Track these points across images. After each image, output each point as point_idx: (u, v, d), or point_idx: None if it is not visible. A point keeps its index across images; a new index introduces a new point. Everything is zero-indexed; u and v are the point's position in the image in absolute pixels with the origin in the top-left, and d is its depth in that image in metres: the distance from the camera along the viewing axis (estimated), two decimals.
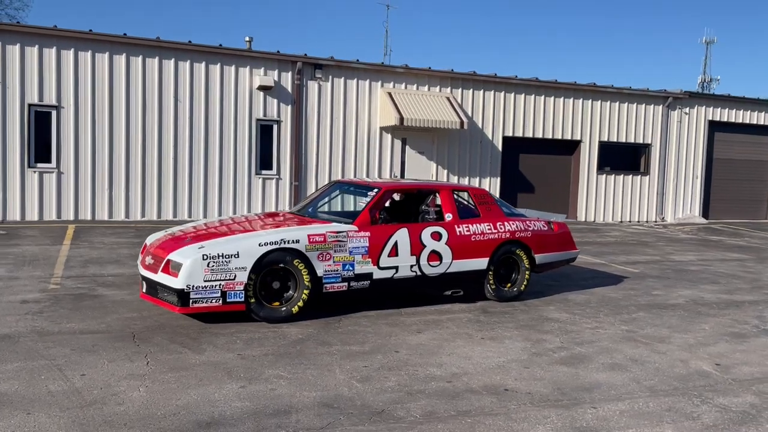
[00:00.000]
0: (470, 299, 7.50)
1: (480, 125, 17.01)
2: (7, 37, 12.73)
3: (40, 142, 13.14)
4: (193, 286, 5.75)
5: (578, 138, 18.35)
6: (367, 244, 6.62)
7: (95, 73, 13.35)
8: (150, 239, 6.82)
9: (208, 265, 5.81)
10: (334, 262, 6.43)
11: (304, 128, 15.09)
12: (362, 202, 7.13)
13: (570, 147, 18.48)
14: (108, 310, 6.31)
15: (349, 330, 6.01)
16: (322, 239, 6.38)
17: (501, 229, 7.50)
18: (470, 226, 7.32)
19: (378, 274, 6.68)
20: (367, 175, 15.72)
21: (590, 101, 18.38)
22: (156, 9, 48.60)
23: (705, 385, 4.90)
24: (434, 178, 16.51)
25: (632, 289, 8.73)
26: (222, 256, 5.88)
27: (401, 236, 6.83)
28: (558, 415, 4.13)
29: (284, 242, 6.16)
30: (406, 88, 16.07)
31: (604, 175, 18.84)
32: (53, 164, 13.19)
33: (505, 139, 17.44)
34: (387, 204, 8.21)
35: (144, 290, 6.23)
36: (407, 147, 16.25)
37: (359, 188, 7.60)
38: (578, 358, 5.47)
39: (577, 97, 18.19)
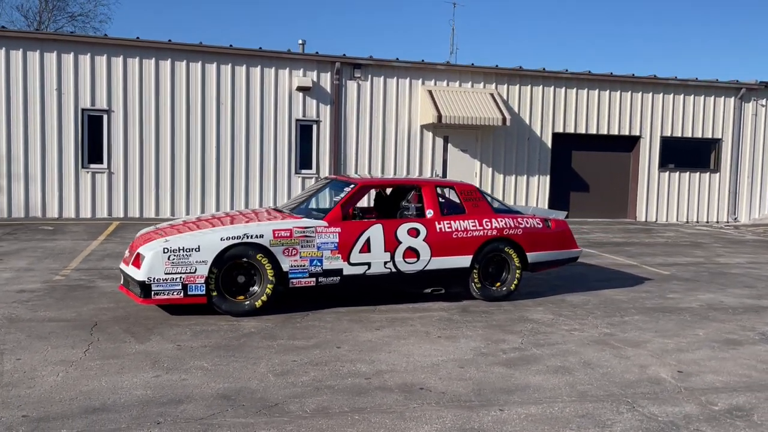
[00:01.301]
0: (456, 298, 7.30)
1: (527, 122, 16.51)
2: (62, 47, 13.66)
3: (93, 144, 14.00)
4: (154, 278, 5.95)
5: (637, 133, 17.42)
6: (337, 240, 6.59)
7: (142, 78, 14.07)
8: (139, 233, 7.11)
9: (168, 258, 5.98)
10: (300, 257, 6.45)
11: (343, 127, 15.22)
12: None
13: (628, 143, 17.58)
14: (90, 301, 6.63)
15: (308, 325, 6.01)
16: (288, 234, 6.41)
17: (487, 226, 7.25)
18: (452, 222, 7.12)
19: (349, 270, 6.63)
20: (407, 174, 15.64)
21: (650, 94, 17.40)
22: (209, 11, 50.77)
23: (648, 392, 4.52)
24: (477, 177, 16.20)
25: (647, 291, 8.20)
26: (183, 249, 6.03)
27: (375, 232, 6.75)
28: (455, 416, 3.94)
29: (247, 237, 6.24)
30: (448, 85, 15.86)
31: (668, 173, 17.79)
32: (104, 165, 14.02)
33: (556, 135, 16.84)
34: (377, 200, 8.19)
35: (121, 282, 6.51)
36: (449, 145, 16.03)
37: (343, 184, 7.58)
38: (526, 359, 5.19)
39: (635, 91, 17.28)
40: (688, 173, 17.98)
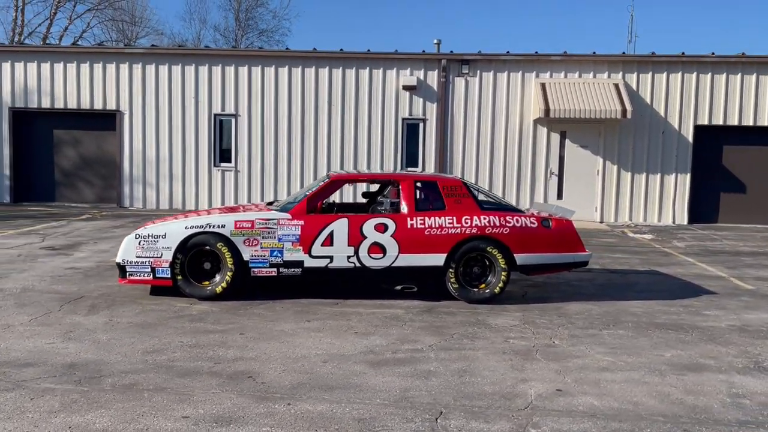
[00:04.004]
0: (435, 297, 7.01)
1: (662, 113, 14.78)
2: (199, 60, 15.49)
3: (222, 145, 15.67)
4: (127, 261, 6.69)
5: None
6: (299, 233, 6.75)
7: (264, 84, 15.38)
8: None
9: (139, 244, 6.68)
10: (261, 247, 6.74)
11: (450, 125, 15.06)
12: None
13: None
14: (106, 279, 7.60)
15: (248, 312, 6.27)
16: (250, 225, 6.74)
17: (466, 223, 6.84)
18: (426, 219, 6.85)
19: (310, 263, 6.76)
20: (518, 172, 14.97)
21: None
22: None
23: (481, 405, 4.03)
24: (600, 175, 14.92)
25: (684, 306, 7.04)
26: (151, 236, 6.69)
27: (338, 226, 6.78)
28: (233, 404, 3.95)
29: (209, 226, 6.70)
30: (566, 77, 14.85)
31: None
32: (232, 164, 15.60)
33: (699, 128, 14.83)
34: (366, 196, 8.14)
35: None
36: (566, 141, 14.99)
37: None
38: (405, 362, 4.90)
39: None
40: None
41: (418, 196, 7.08)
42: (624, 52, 14.70)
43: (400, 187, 7.08)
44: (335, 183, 7.18)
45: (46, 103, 15.80)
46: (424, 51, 15.00)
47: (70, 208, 15.35)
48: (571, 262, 7.12)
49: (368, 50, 15.10)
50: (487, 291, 6.89)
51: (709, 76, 14.70)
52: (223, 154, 15.66)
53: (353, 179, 7.70)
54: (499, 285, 6.87)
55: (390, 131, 15.20)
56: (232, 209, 7.65)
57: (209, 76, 15.47)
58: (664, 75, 14.75)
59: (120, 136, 15.72)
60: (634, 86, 14.73)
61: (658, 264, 9.77)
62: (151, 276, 6.68)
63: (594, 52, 14.76)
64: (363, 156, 15.24)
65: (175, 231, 6.69)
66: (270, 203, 7.83)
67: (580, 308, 6.81)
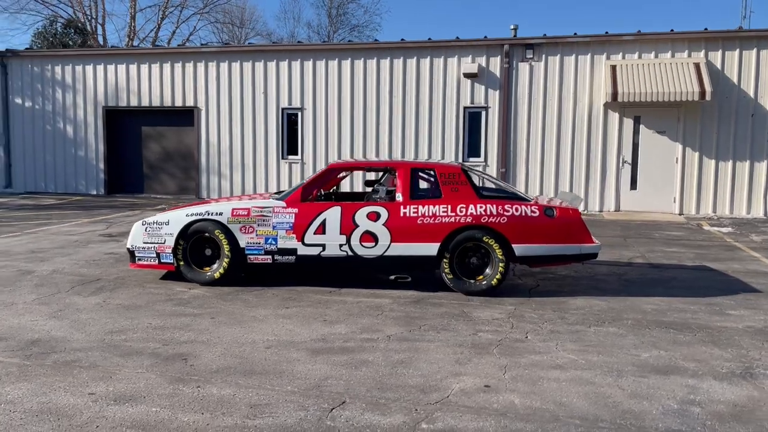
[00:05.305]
0: (432, 288, 6.80)
1: (751, 94, 13.41)
2: (267, 55, 15.97)
3: (290, 138, 16.08)
4: (136, 247, 7.04)
5: None
6: (293, 221, 6.79)
7: (328, 77, 15.59)
8: None
9: (146, 230, 7.01)
10: (257, 235, 6.85)
11: (513, 112, 14.51)
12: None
13: None
14: (128, 264, 8.06)
15: (235, 298, 6.39)
16: (246, 213, 6.87)
17: (461, 212, 6.56)
18: (420, 207, 6.65)
19: (303, 251, 6.78)
20: (587, 161, 14.16)
21: None
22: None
23: (395, 398, 3.85)
24: (679, 163, 13.78)
25: (709, 304, 6.36)
26: (156, 223, 7.00)
27: (331, 214, 6.75)
28: (147, 382, 4.05)
29: (208, 214, 6.91)
30: (640, 57, 13.82)
31: None
32: (298, 156, 15.98)
33: None
34: (368, 184, 7.99)
35: None
36: (641, 126, 13.97)
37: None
38: (351, 350, 4.78)
39: None
40: None
41: (414, 184, 6.89)
42: (706, 29, 13.44)
43: (397, 174, 6.92)
44: (332, 171, 7.15)
45: (134, 102, 16.97)
46: (486, 37, 14.54)
47: (153, 200, 16.41)
48: (577, 254, 6.63)
49: (429, 38, 14.86)
50: (483, 283, 6.58)
51: None
52: (290, 146, 16.07)
53: (350, 167, 7.62)
54: (497, 277, 6.54)
55: (451, 120, 14.90)
56: (240, 198, 7.84)
57: (277, 71, 15.91)
58: (754, 51, 13.34)
59: (197, 130, 16.57)
60: (718, 65, 13.45)
61: (715, 259, 8.89)
62: (157, 261, 7.00)
63: (672, 30, 13.63)
64: (424, 146, 15.05)
65: (177, 218, 6.96)
66: (278, 192, 7.94)
67: (583, 303, 6.34)
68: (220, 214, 6.89)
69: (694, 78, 13.05)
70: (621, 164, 14.09)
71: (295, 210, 6.83)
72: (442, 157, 14.93)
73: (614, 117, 14.03)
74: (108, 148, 17.33)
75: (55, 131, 17.43)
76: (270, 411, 3.72)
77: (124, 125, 17.47)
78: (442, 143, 14.96)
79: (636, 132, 14.00)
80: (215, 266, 6.93)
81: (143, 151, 17.59)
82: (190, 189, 17.00)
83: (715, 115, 13.56)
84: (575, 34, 14.06)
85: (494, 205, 6.58)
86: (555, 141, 14.35)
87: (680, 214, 13.80)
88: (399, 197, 6.79)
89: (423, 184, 7.02)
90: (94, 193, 17.32)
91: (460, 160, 14.88)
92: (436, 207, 6.63)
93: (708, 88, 12.75)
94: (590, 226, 12.12)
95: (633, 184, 14.08)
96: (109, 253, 8.79)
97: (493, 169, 14.66)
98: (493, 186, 7.36)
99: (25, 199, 16.11)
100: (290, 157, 16.06)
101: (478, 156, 14.84)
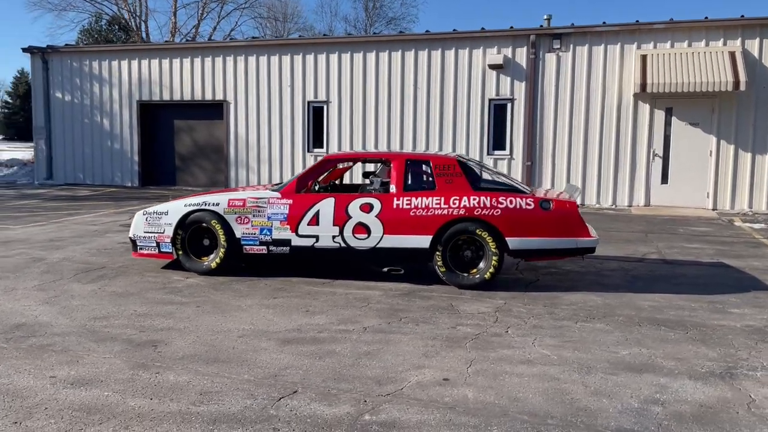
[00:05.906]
0: (426, 281, 6.71)
1: None
2: (293, 49, 16.06)
3: (316, 131, 16.15)
4: (137, 236, 7.19)
5: None
6: (287, 212, 6.80)
7: (353, 70, 15.58)
8: None
9: (146, 220, 7.14)
10: (252, 225, 6.89)
11: (539, 104, 14.20)
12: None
13: None
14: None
15: (226, 288, 6.43)
16: (242, 204, 6.92)
17: (454, 204, 6.45)
18: (413, 199, 6.56)
19: (297, 242, 6.78)
20: (616, 154, 13.75)
21: None
22: None
23: (347, 389, 3.81)
24: (713, 157, 13.24)
25: (712, 302, 6.08)
26: (156, 212, 7.12)
27: (324, 206, 6.73)
28: (109, 366, 4.12)
29: (205, 204, 6.98)
30: (672, 46, 13.33)
31: None
32: (324, 149, 16.03)
33: None
34: (366, 176, 7.92)
35: None
36: (673, 118, 13.47)
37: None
38: (321, 341, 4.75)
39: None
40: None
41: (407, 176, 6.80)
42: (743, 15, 12.84)
43: (391, 166, 6.85)
44: (327, 162, 7.13)
45: (166, 96, 17.34)
46: (512, 27, 14.26)
47: (185, 191, 16.74)
48: (573, 248, 6.42)
49: (454, 30, 14.67)
50: (477, 276, 6.46)
51: None
52: (316, 139, 16.15)
53: (346, 158, 7.57)
54: (490, 270, 6.40)
55: (476, 113, 14.68)
56: (243, 189, 7.89)
57: (303, 65, 15.99)
58: None
59: (227, 124, 16.82)
60: (755, 54, 12.85)
61: (736, 256, 8.51)
62: (157, 250, 7.12)
63: (706, 18, 13.07)
64: (448, 139, 14.89)
65: (175, 208, 7.06)
66: (276, 184, 7.97)
67: (577, 299, 6.15)
68: (217, 204, 6.96)
69: (728, 67, 12.50)
70: (651, 157, 13.63)
71: (290, 201, 6.84)
72: (467, 150, 14.75)
73: (644, 108, 13.57)
74: (142, 141, 17.75)
75: (93, 125, 17.97)
76: (218, 399, 3.73)
77: (157, 119, 17.87)
78: (467, 136, 14.77)
79: (668, 124, 13.51)
80: (212, 256, 7.01)
81: (175, 144, 17.97)
82: (220, 182, 17.27)
83: (752, 106, 12.96)
84: (604, 23, 13.66)
85: (488, 198, 6.44)
86: (582, 133, 13.98)
87: (713, 209, 13.27)
88: (393, 189, 6.72)
89: (419, 176, 6.92)
90: (129, 185, 17.80)
91: (485, 154, 14.67)
92: (429, 199, 6.54)
93: (743, 78, 12.20)
94: (614, 220, 11.86)
95: (664, 178, 13.60)
96: (122, 243, 8.99)
97: (518, 163, 14.39)
98: (494, 178, 7.21)
99: (62, 191, 16.68)
100: (316, 150, 16.13)
101: (504, 149, 14.59)
